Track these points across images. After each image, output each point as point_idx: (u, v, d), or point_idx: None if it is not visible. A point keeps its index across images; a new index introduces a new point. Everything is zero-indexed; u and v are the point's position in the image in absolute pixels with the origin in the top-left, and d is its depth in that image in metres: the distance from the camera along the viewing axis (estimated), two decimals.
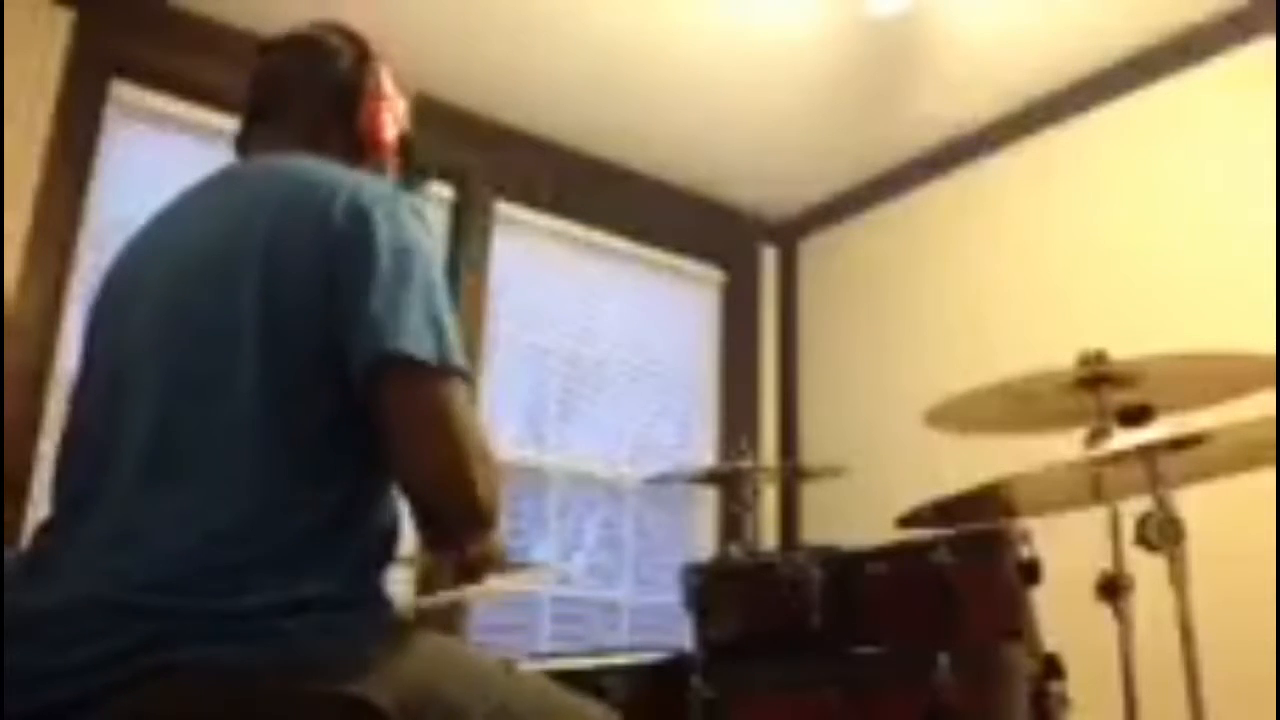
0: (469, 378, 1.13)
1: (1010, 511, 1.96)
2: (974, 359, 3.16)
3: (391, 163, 1.44)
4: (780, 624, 1.91)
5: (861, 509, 2.69)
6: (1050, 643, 1.82)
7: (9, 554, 1.11)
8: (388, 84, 1.42)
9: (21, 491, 2.57)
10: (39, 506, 2.57)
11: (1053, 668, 1.76)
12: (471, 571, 1.30)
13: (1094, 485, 1.93)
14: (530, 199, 3.70)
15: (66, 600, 1.00)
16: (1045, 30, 3.10)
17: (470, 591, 1.78)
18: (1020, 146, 3.47)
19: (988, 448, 2.17)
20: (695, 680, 1.85)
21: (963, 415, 2.16)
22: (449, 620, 3.02)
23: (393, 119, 1.42)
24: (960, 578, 1.80)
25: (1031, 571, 1.81)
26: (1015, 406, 2.07)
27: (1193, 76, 3.05)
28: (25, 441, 2.61)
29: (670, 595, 3.01)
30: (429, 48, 3.19)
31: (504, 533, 3.47)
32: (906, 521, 1.93)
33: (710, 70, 3.34)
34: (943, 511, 1.86)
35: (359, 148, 1.37)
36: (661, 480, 3.56)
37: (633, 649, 3.42)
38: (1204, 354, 1.92)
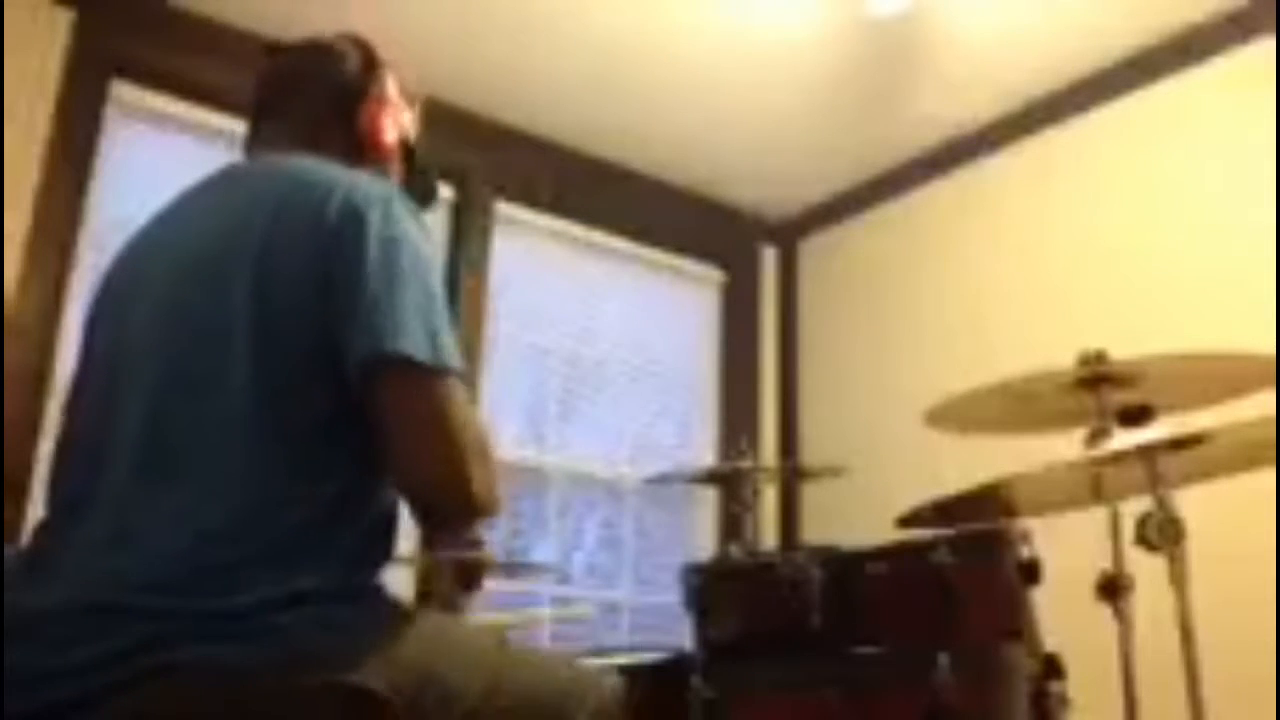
0: (464, 375, 1.13)
1: (1010, 511, 1.96)
2: (974, 359, 3.16)
3: (394, 168, 1.43)
4: (780, 624, 1.91)
5: (861, 509, 2.69)
6: (1050, 643, 1.82)
7: (9, 554, 1.12)
8: (392, 90, 1.43)
9: (21, 491, 2.57)
10: (39, 506, 2.57)
11: (1053, 668, 1.76)
12: (470, 575, 1.30)
13: (1094, 485, 1.92)
14: (530, 199, 3.70)
15: (66, 601, 1.00)
16: (1045, 30, 3.10)
17: (516, 619, 1.82)
18: (1020, 146, 3.47)
19: (988, 448, 2.17)
20: (695, 680, 1.85)
21: (963, 415, 2.16)
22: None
23: (393, 123, 1.41)
24: (960, 578, 1.79)
25: (1031, 571, 1.81)
26: (1015, 406, 2.06)
27: (1193, 76, 3.05)
28: (25, 441, 2.61)
29: (670, 595, 3.01)
30: (429, 48, 3.19)
31: (503, 533, 3.49)
32: (906, 521, 1.93)
33: (710, 70, 3.34)
34: (943, 511, 1.86)
35: (358, 149, 1.37)
36: (661, 480, 3.56)
37: (633, 649, 3.43)
38: (1204, 354, 1.92)
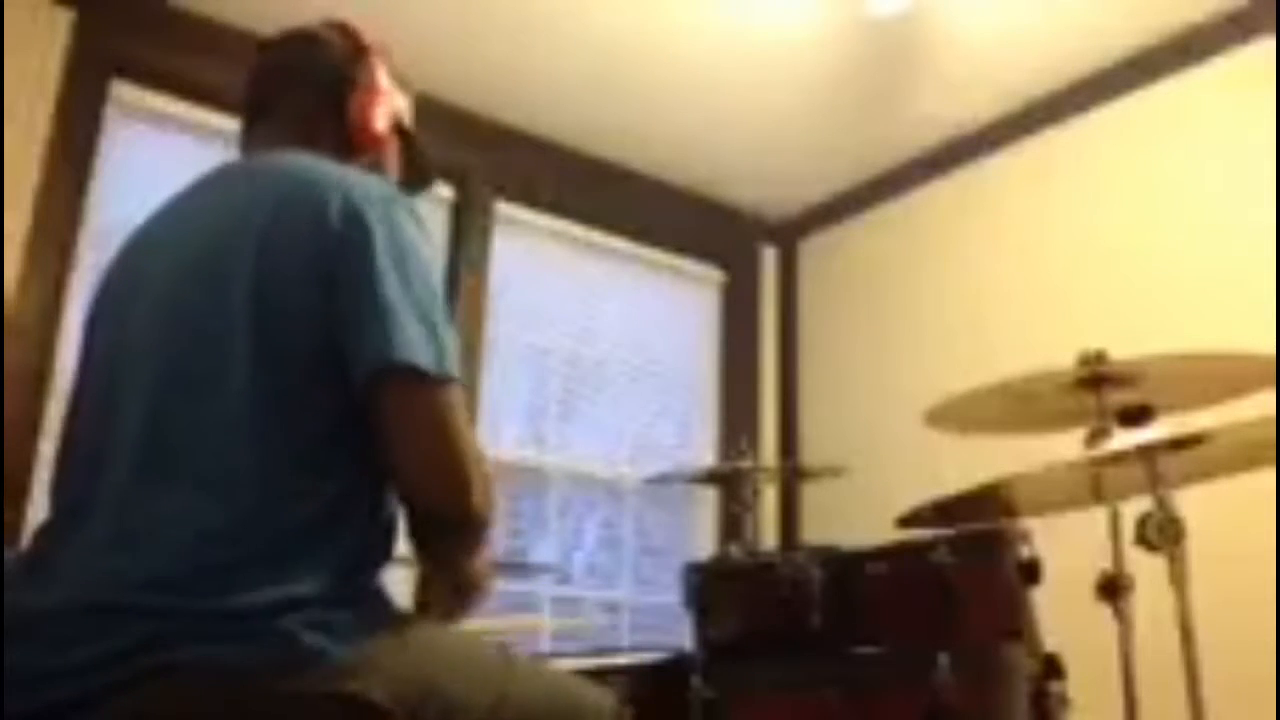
0: (463, 384, 1.14)
1: (1010, 511, 1.96)
2: (974, 359, 3.16)
3: (389, 156, 1.43)
4: (780, 624, 1.91)
5: (861, 509, 2.69)
6: (1050, 643, 1.82)
7: (9, 554, 1.12)
8: (383, 78, 1.40)
9: (21, 492, 2.57)
10: (39, 507, 2.57)
11: (1053, 668, 1.76)
12: (467, 588, 1.30)
13: (1094, 485, 1.93)
14: (530, 199, 3.70)
15: (66, 601, 1.00)
16: (1045, 30, 3.10)
17: (515, 626, 1.81)
18: (1020, 146, 3.47)
19: (988, 448, 2.17)
20: (695, 680, 1.85)
21: (963, 415, 2.16)
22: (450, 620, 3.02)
23: (385, 112, 1.40)
24: (960, 578, 1.80)
25: (1031, 571, 1.81)
26: (1015, 406, 2.07)
27: (1193, 76, 3.05)
28: (25, 442, 2.61)
29: (670, 595, 3.02)
30: (429, 48, 3.19)
31: (503, 533, 3.48)
32: (906, 521, 1.93)
33: (710, 70, 3.34)
34: (943, 511, 1.86)
35: (351, 141, 1.37)
36: (661, 480, 3.56)
37: (633, 649, 3.43)
38: (1204, 354, 1.92)
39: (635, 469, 3.69)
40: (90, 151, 2.89)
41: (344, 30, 1.42)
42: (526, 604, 3.39)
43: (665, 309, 4.02)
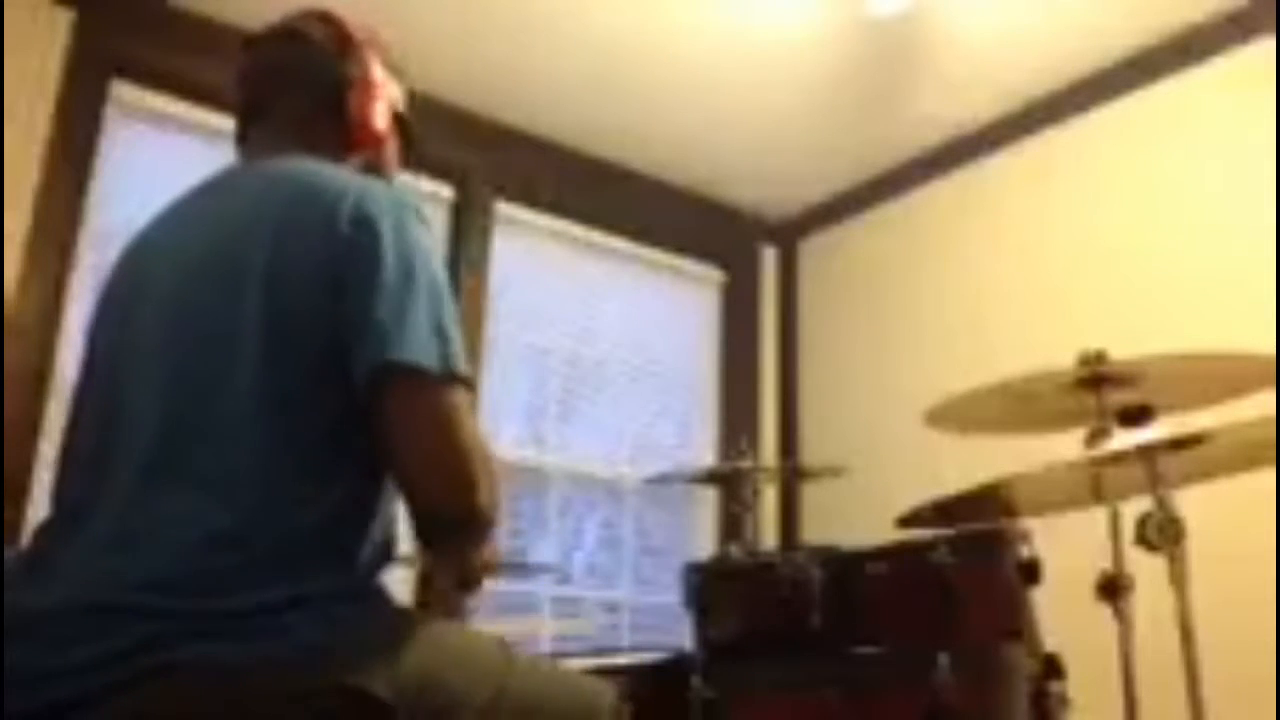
0: (471, 385, 1.13)
1: (1010, 511, 1.96)
2: (974, 359, 3.16)
3: (389, 150, 1.42)
4: (780, 624, 1.91)
5: (861, 509, 2.69)
6: (1050, 643, 1.82)
7: (9, 554, 1.12)
8: (376, 70, 1.39)
9: (21, 491, 2.57)
10: (39, 506, 2.57)
11: (1053, 668, 1.76)
12: (470, 580, 1.30)
13: (1094, 485, 1.93)
14: (530, 199, 3.70)
15: (66, 600, 1.00)
16: (1045, 30, 3.10)
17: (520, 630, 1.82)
18: (1020, 146, 3.47)
19: (988, 448, 2.17)
20: (695, 680, 1.85)
21: (963, 415, 2.16)
22: (451, 620, 3.02)
23: (384, 107, 1.39)
24: (960, 578, 1.80)
25: (1031, 571, 1.81)
26: (1015, 406, 2.06)
27: (1193, 76, 3.05)
28: (25, 442, 2.61)
29: (670, 595, 3.02)
30: (429, 48, 3.19)
31: (503, 533, 3.48)
32: (906, 521, 1.93)
33: (710, 70, 3.34)
34: (943, 511, 1.86)
35: (352, 140, 1.36)
36: (661, 480, 3.56)
37: (633, 649, 3.43)
38: (1204, 354, 1.92)
39: (635, 469, 3.69)
40: (90, 151, 2.89)
41: (327, 20, 1.40)
42: (526, 604, 3.39)
43: (665, 309, 4.02)
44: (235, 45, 1.44)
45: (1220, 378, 1.97)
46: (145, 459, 1.08)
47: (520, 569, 3.38)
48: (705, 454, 3.94)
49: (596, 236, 3.84)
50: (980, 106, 3.48)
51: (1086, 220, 3.23)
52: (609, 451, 3.72)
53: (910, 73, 3.33)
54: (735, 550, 2.68)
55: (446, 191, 3.52)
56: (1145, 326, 2.89)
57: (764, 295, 4.26)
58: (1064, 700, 1.75)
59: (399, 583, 3.00)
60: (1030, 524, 1.88)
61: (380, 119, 1.38)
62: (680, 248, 4.06)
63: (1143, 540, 1.68)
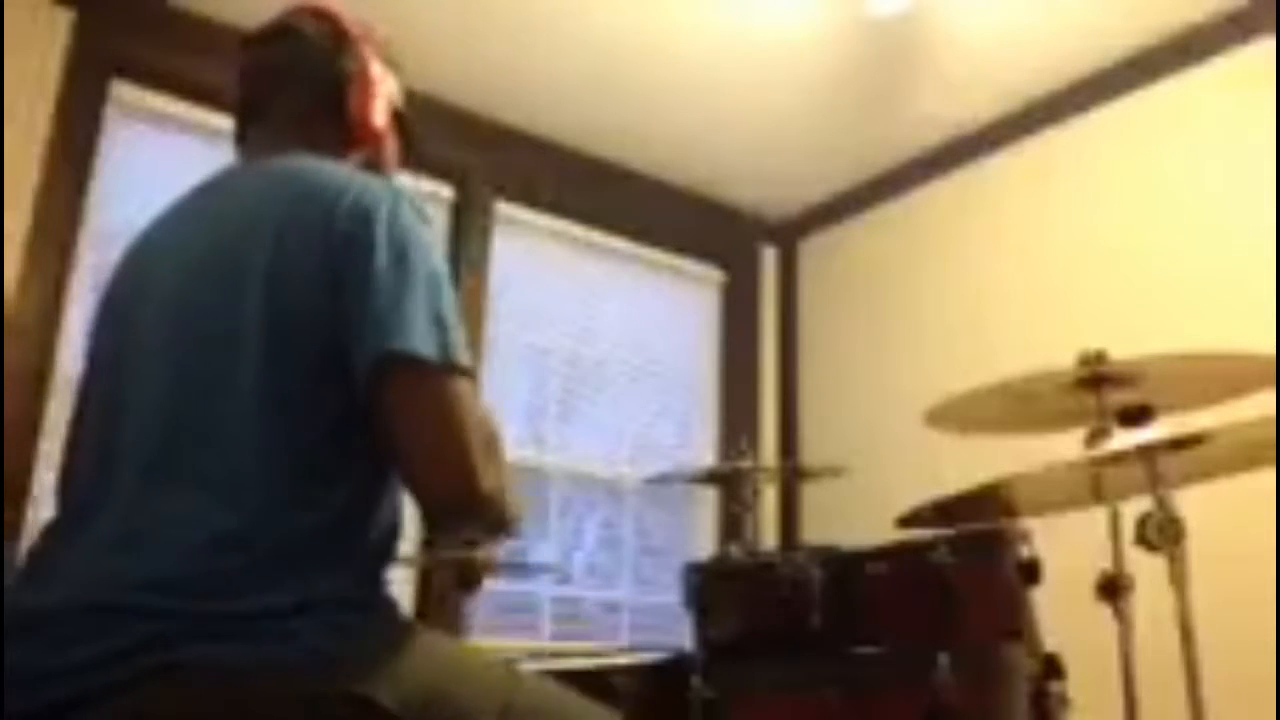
0: (473, 374, 1.13)
1: (1010, 511, 1.96)
2: (974, 359, 3.16)
3: (389, 146, 1.42)
4: (780, 624, 1.91)
5: (861, 509, 2.69)
6: (1050, 643, 1.82)
7: (10, 554, 1.12)
8: (373, 65, 1.38)
9: (21, 492, 2.57)
10: (39, 506, 2.57)
11: (1053, 668, 1.76)
12: (470, 575, 1.30)
13: (1094, 485, 1.92)
14: (530, 199, 3.70)
15: (67, 600, 1.00)
16: (1045, 30, 3.10)
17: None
18: (1020, 146, 3.47)
19: (988, 448, 2.17)
20: (695, 680, 1.85)
21: (963, 415, 2.16)
22: (451, 620, 3.02)
23: (382, 103, 1.38)
24: (960, 578, 1.79)
25: (1031, 571, 1.81)
26: (1015, 406, 2.06)
27: (1193, 76, 3.05)
28: (25, 442, 2.61)
29: (670, 595, 3.02)
30: (429, 48, 3.19)
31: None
32: (906, 521, 1.92)
33: (710, 70, 3.34)
34: (943, 511, 1.86)
35: (351, 137, 1.36)
36: (661, 480, 3.56)
37: (633, 649, 3.43)
38: (1204, 354, 1.92)
39: (635, 469, 3.69)
40: (90, 151, 2.89)
41: (321, 16, 1.39)
42: (526, 604, 3.39)
43: (665, 309, 4.02)
44: (235, 45, 1.43)
45: (1220, 378, 1.97)
46: (148, 459, 1.08)
47: (520, 569, 3.38)
48: (705, 454, 3.94)
49: (596, 236, 3.84)
50: (980, 106, 3.48)
51: (1086, 220, 3.23)
52: (609, 451, 3.72)
53: (910, 73, 3.33)
54: (735, 550, 2.68)
55: (446, 191, 3.52)
56: (1145, 326, 2.89)
57: (764, 295, 4.26)
58: (1064, 700, 1.74)
59: (399, 583, 3.00)
60: (1030, 524, 1.88)
61: (379, 115, 1.37)
62: (680, 248, 4.06)
63: (1143, 540, 1.68)
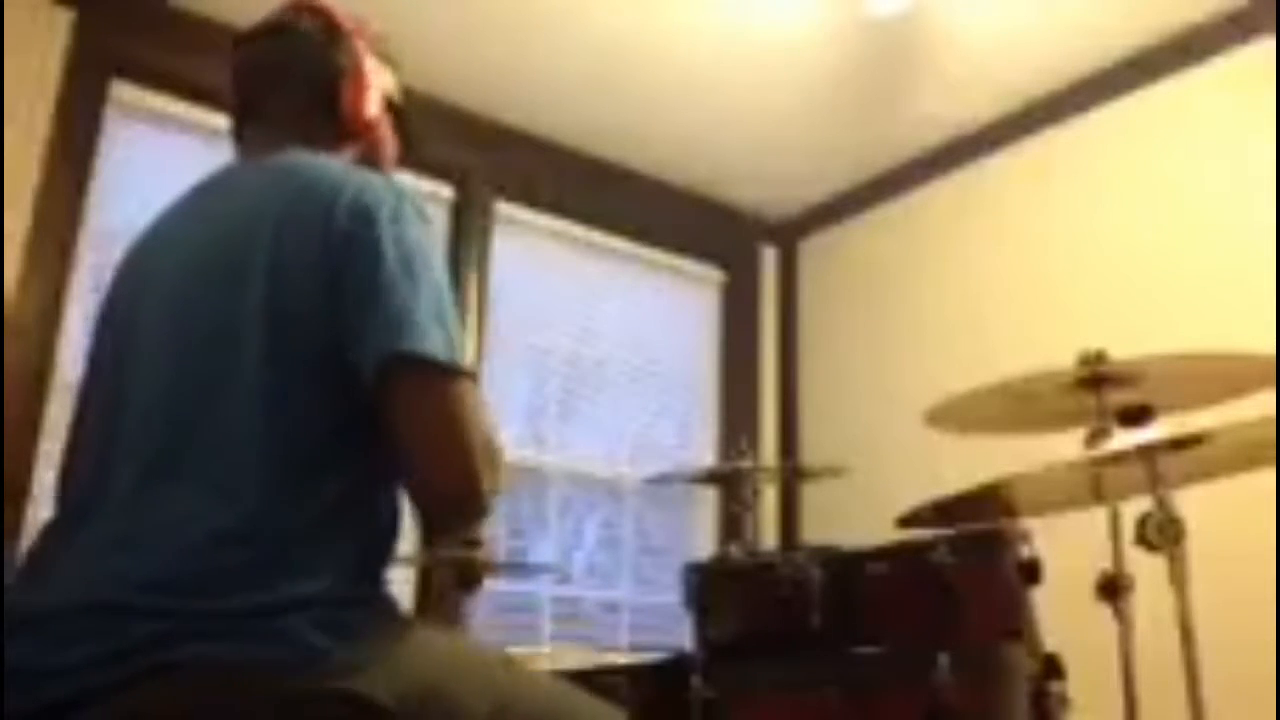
0: (476, 376, 1.14)
1: (1010, 511, 1.96)
2: (974, 359, 3.16)
3: (384, 137, 1.41)
4: (780, 624, 1.91)
5: (861, 509, 2.69)
6: (1050, 643, 1.82)
7: (10, 554, 1.12)
8: (367, 60, 1.38)
9: (22, 492, 2.57)
10: (39, 506, 2.57)
11: (1053, 668, 1.76)
12: (470, 575, 1.30)
13: (1094, 485, 1.92)
14: (530, 199, 3.70)
15: (68, 599, 1.00)
16: (1045, 30, 3.10)
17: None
18: (1020, 146, 3.47)
19: (988, 448, 2.17)
20: (695, 680, 1.85)
21: (963, 415, 2.16)
22: (451, 620, 3.02)
23: (375, 95, 1.38)
24: (960, 578, 1.79)
25: (1031, 571, 1.81)
26: (1015, 406, 2.06)
27: (1193, 76, 3.05)
28: (25, 442, 2.61)
29: (670, 595, 3.02)
30: (429, 48, 3.19)
31: (503, 533, 3.48)
32: (906, 521, 1.93)
33: (710, 70, 3.34)
34: (943, 511, 1.86)
35: (346, 132, 1.36)
36: (661, 480, 3.56)
37: (633, 649, 3.43)
38: (1204, 354, 1.92)
39: (635, 469, 3.69)
40: (90, 151, 2.89)
41: (314, 12, 1.39)
42: (526, 604, 3.39)
43: (665, 309, 4.02)
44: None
45: (1220, 378, 1.97)
46: (148, 458, 1.08)
47: (520, 569, 3.38)
48: (705, 454, 3.94)
49: (596, 236, 3.84)
50: (980, 106, 3.48)
51: (1086, 220, 3.23)
52: (609, 451, 3.72)
53: (910, 73, 3.33)
54: (735, 550, 2.68)
55: (446, 191, 3.52)
56: (1145, 326, 2.89)
57: (764, 295, 4.26)
58: (1064, 700, 1.74)
59: (399, 583, 3.00)
60: (1030, 524, 1.88)
61: (371, 107, 1.37)
62: (680, 248, 4.06)
63: (1143, 540, 1.68)
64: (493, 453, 1.12)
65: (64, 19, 2.89)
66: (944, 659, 1.67)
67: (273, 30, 1.40)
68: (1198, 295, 2.88)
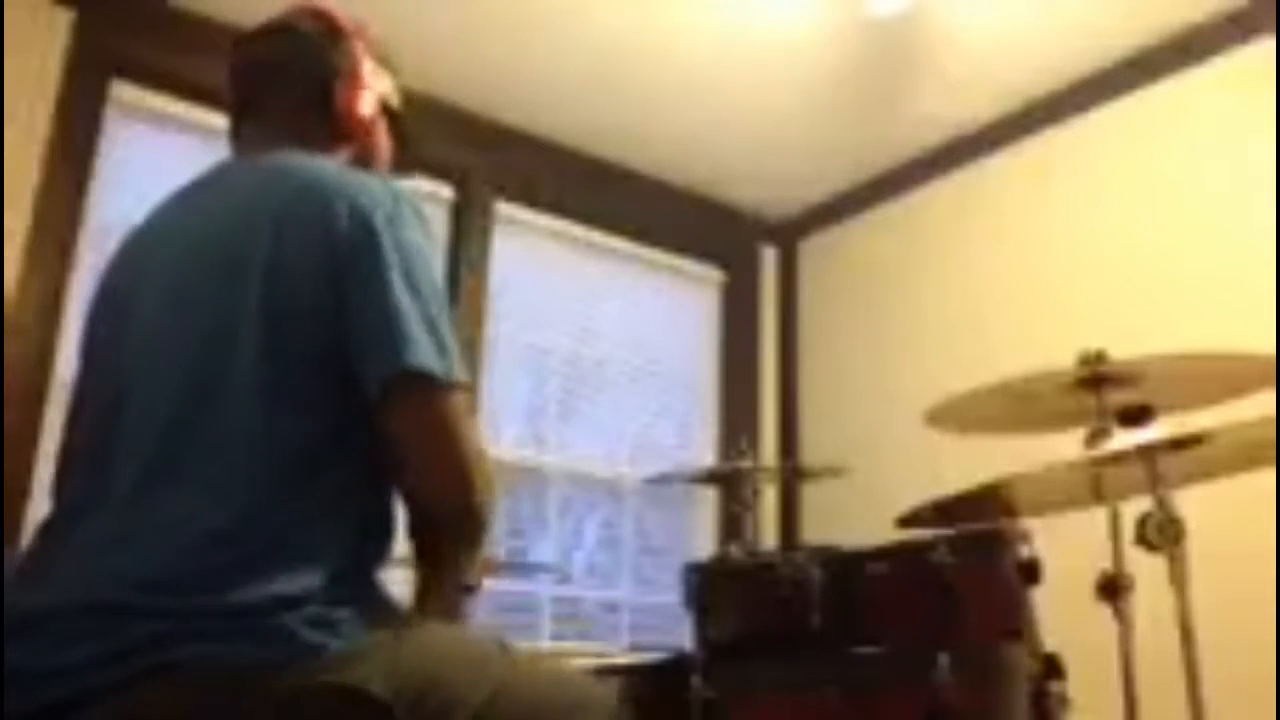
0: (470, 388, 1.15)
1: (1010, 511, 1.96)
2: (974, 359, 3.16)
3: (379, 139, 1.42)
4: (780, 624, 1.91)
5: (861, 509, 2.69)
6: (1050, 643, 1.82)
7: (10, 554, 1.12)
8: (365, 63, 1.39)
9: (22, 492, 2.57)
10: (39, 507, 2.57)
11: (1053, 668, 1.76)
12: (470, 583, 1.31)
13: (1094, 485, 1.93)
14: (530, 199, 3.70)
15: (66, 599, 1.00)
16: (1045, 30, 3.10)
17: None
18: (1020, 146, 3.47)
19: (988, 448, 2.17)
20: (695, 680, 1.85)
21: (963, 415, 2.16)
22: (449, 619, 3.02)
23: (370, 96, 1.39)
24: (960, 578, 1.79)
25: (1031, 571, 1.81)
26: (1015, 406, 2.06)
27: (1193, 76, 3.05)
28: (25, 441, 2.61)
29: (670, 595, 3.02)
30: (429, 48, 3.19)
31: (503, 533, 3.48)
32: (906, 521, 1.93)
33: (710, 70, 3.34)
34: (943, 511, 1.86)
35: (340, 132, 1.36)
36: (661, 480, 3.56)
37: (633, 649, 3.43)
38: (1204, 354, 1.92)
39: (635, 469, 3.69)
40: (90, 151, 2.89)
41: (317, 15, 1.40)
42: (526, 604, 3.39)
43: (665, 309, 4.02)
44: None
45: (1220, 378, 1.97)
46: (149, 458, 1.08)
47: (520, 569, 3.38)
48: (705, 454, 3.94)
49: (596, 236, 3.84)
50: (980, 106, 3.48)
51: (1086, 220, 3.23)
52: (609, 451, 3.72)
53: (910, 73, 3.33)
54: (735, 550, 2.68)
55: (446, 191, 3.52)
56: (1145, 326, 2.89)
57: (764, 295, 4.26)
58: (1064, 700, 1.74)
59: (399, 583, 3.00)
60: (1030, 524, 1.88)
61: (365, 107, 1.38)
62: (680, 248, 4.06)
63: (1143, 540, 1.68)
64: (484, 464, 1.15)
65: (64, 19, 2.89)
66: (944, 659, 1.67)
67: (274, 30, 1.41)
68: (1198, 295, 2.88)
